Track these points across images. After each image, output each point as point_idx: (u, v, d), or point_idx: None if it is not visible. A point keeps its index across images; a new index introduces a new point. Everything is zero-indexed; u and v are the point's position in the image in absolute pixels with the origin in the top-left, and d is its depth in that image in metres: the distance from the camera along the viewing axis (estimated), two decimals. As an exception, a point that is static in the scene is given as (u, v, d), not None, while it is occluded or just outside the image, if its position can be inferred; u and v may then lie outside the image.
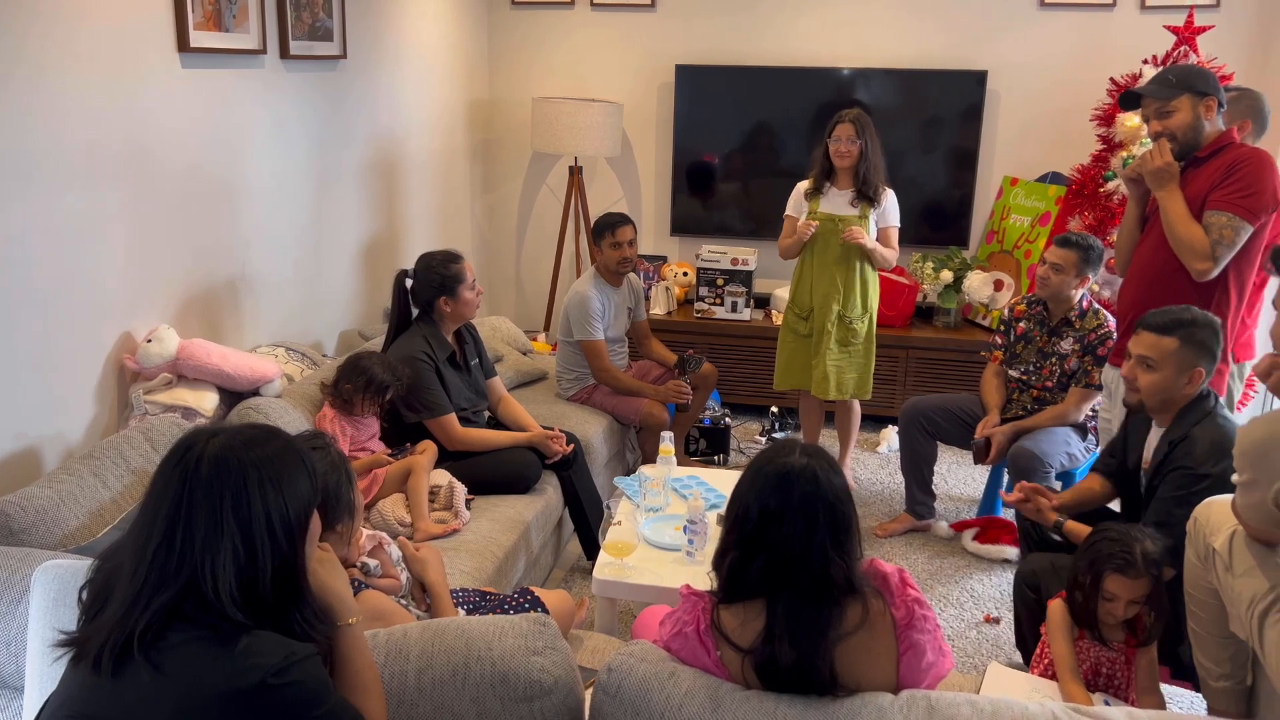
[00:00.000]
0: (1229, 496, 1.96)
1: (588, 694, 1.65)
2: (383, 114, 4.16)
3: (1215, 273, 2.72)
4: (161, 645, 1.18)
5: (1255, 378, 2.17)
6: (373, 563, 2.02)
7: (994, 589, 3.35)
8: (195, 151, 3.01)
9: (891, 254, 3.79)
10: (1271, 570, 1.83)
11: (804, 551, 1.55)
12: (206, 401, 2.73)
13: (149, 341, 2.73)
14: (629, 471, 4.08)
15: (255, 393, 2.87)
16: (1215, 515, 1.99)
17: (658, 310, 4.93)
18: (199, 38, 2.92)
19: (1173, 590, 2.16)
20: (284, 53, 3.37)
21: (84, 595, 1.29)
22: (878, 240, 3.75)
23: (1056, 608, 2.25)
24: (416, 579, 2.07)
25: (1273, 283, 3.32)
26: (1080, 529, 2.53)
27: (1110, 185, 4.25)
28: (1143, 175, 2.85)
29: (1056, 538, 2.63)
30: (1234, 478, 1.83)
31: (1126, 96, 2.97)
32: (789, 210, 3.86)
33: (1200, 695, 2.16)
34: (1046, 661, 2.29)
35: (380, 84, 4.12)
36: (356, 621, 1.38)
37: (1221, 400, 2.42)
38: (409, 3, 4.32)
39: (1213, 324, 2.44)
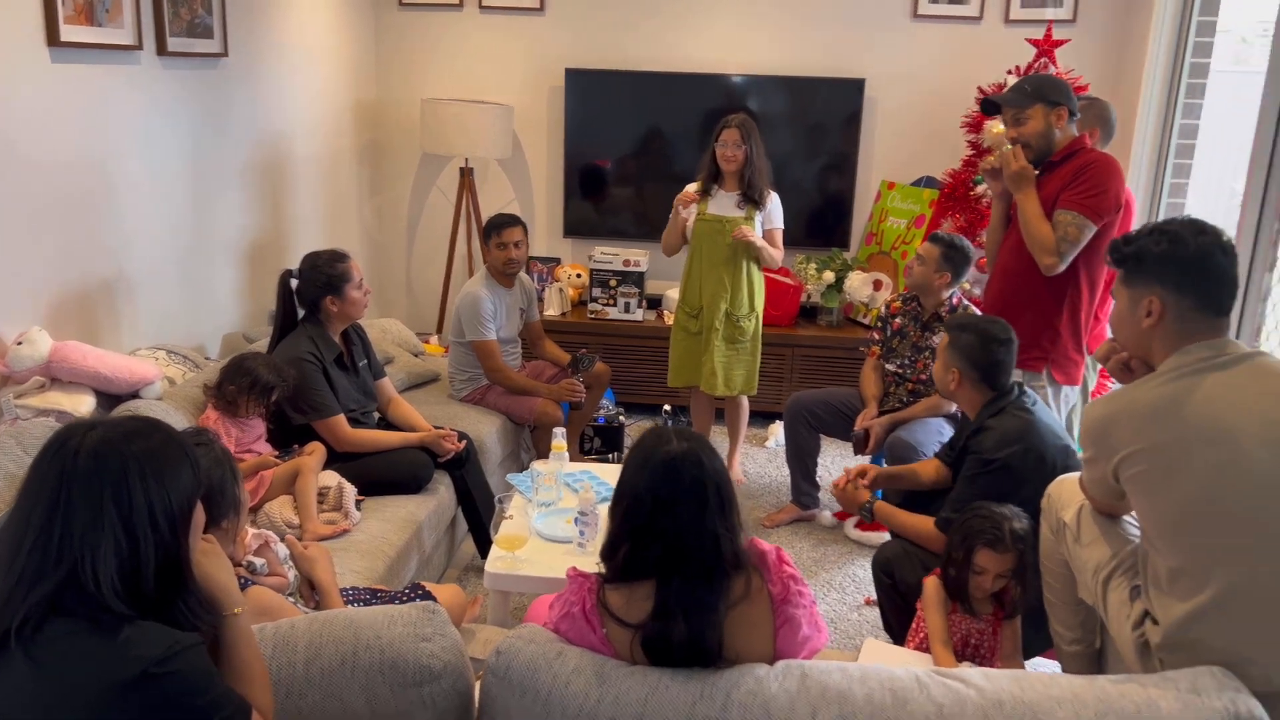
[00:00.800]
0: (1078, 475, 2.12)
1: (479, 684, 1.69)
2: (267, 113, 4.10)
3: (1061, 268, 2.91)
4: (39, 638, 1.17)
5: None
6: (259, 561, 2.01)
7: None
8: (68, 149, 2.92)
9: (777, 254, 3.92)
10: (1114, 539, 1.99)
11: (697, 534, 1.62)
12: (82, 405, 2.65)
13: (19, 344, 2.64)
14: (523, 470, 4.11)
15: (134, 395, 2.80)
16: (1065, 492, 2.15)
17: (552, 311, 4.97)
18: (70, 32, 2.83)
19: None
20: (161, 49, 3.29)
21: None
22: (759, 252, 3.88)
23: (932, 583, 2.39)
24: (305, 577, 2.07)
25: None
26: (894, 513, 2.72)
27: (980, 189, 4.49)
28: (1003, 178, 3.04)
29: (866, 517, 2.80)
30: (1080, 456, 1.98)
31: (987, 103, 3.16)
32: (673, 213, 3.95)
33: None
34: (921, 636, 2.43)
35: (264, 83, 4.05)
36: (241, 612, 1.39)
37: (1031, 394, 2.60)
38: (292, 1, 4.26)
39: (980, 332, 2.63)
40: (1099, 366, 3.64)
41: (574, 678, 1.57)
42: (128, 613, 1.21)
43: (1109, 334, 3.59)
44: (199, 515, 1.34)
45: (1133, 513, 2.01)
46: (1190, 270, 1.78)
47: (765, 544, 1.73)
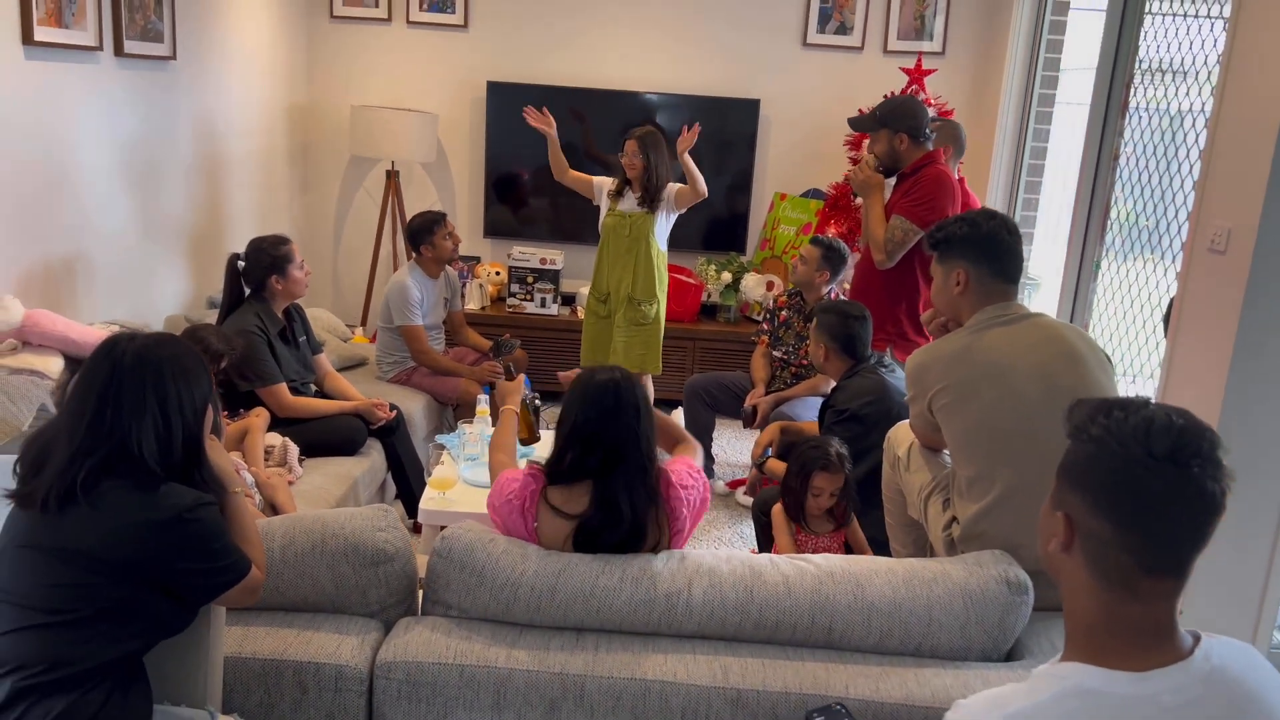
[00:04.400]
0: (908, 421, 2.63)
1: (420, 593, 2.08)
2: (208, 114, 4.41)
3: (889, 264, 3.46)
4: (98, 490, 1.54)
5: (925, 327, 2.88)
6: (231, 483, 2.37)
7: (760, 531, 3.97)
8: (36, 138, 3.22)
9: (698, 181, 4.22)
10: (933, 466, 2.49)
11: (634, 438, 2.06)
12: (53, 366, 2.94)
13: (-7, 310, 2.92)
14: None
15: (99, 359, 3.09)
16: (900, 433, 2.65)
17: (472, 305, 5.34)
18: (42, 32, 3.14)
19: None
20: (118, 50, 3.60)
21: (18, 468, 1.61)
22: (675, 196, 4.27)
23: (778, 510, 2.88)
24: (268, 501, 2.43)
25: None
26: (779, 466, 3.25)
27: (859, 200, 5.05)
28: (854, 185, 3.61)
29: (761, 472, 3.39)
30: (906, 398, 2.48)
31: (850, 123, 3.72)
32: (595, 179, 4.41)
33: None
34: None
35: (206, 86, 4.36)
36: (239, 491, 1.77)
37: (889, 363, 3.15)
38: (233, 10, 4.58)
39: (839, 311, 3.20)
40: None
41: (503, 556, 1.99)
42: (162, 476, 1.58)
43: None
44: (210, 412, 1.71)
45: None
46: (985, 246, 2.29)
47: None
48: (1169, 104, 3.75)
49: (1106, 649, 1.14)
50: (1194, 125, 3.51)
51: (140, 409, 1.57)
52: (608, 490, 2.03)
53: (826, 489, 2.74)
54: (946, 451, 2.53)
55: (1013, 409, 2.17)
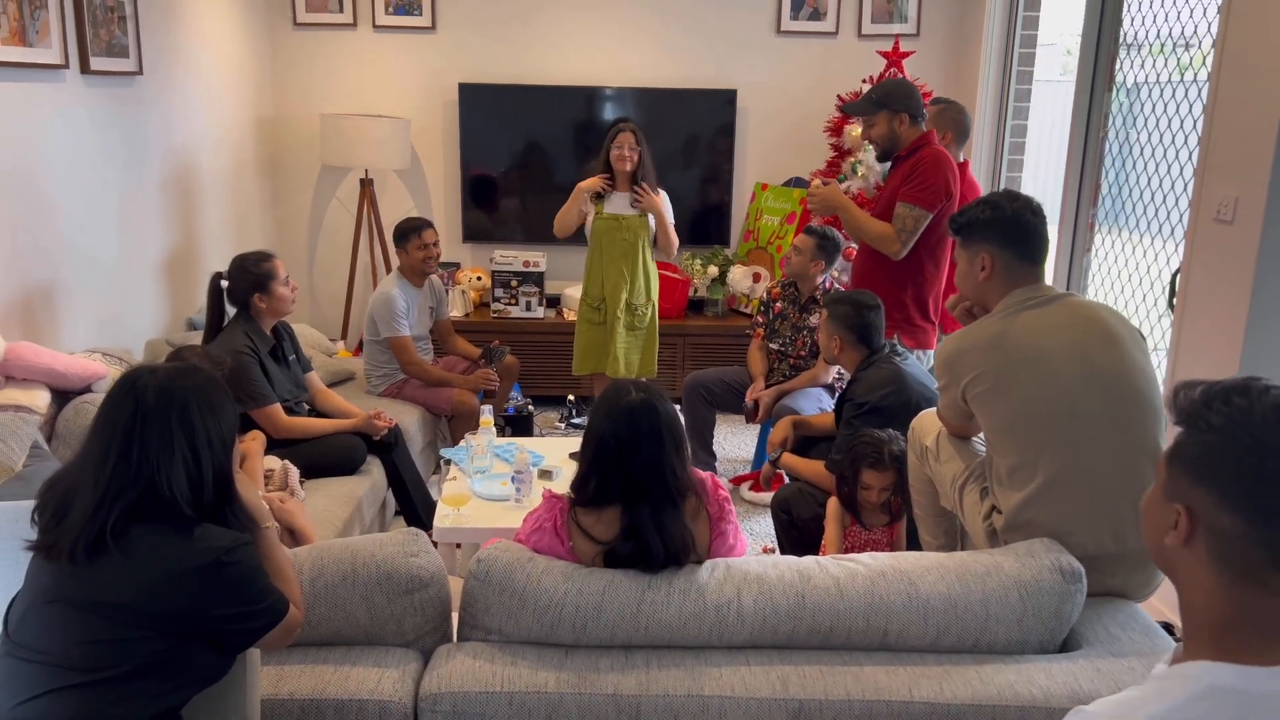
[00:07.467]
0: (935, 409, 2.57)
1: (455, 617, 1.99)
2: (177, 130, 4.26)
3: (905, 253, 3.42)
4: (129, 536, 1.44)
5: (946, 309, 2.82)
6: (245, 514, 2.26)
7: (767, 527, 3.92)
8: (5, 162, 3.07)
9: (674, 239, 4.29)
10: (965, 455, 2.44)
11: (657, 469, 1.97)
12: (39, 399, 2.81)
13: (-29, 346, 2.79)
14: (440, 460, 4.37)
15: (87, 390, 2.97)
16: (926, 422, 2.60)
17: (455, 312, 5.23)
18: (6, 52, 2.99)
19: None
20: (84, 68, 3.46)
21: (36, 517, 1.51)
22: (656, 234, 4.25)
23: (833, 502, 2.82)
24: (285, 526, 2.33)
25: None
26: (795, 461, 3.19)
27: (842, 186, 5.00)
28: (815, 210, 3.65)
29: (776, 468, 3.31)
30: (936, 386, 2.43)
31: (845, 108, 3.66)
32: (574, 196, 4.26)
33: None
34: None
35: (174, 101, 4.22)
36: (271, 527, 1.67)
37: (901, 350, 3.11)
38: (196, 22, 4.43)
39: (853, 302, 3.14)
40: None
41: (544, 577, 1.91)
42: (195, 517, 1.49)
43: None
44: (238, 444, 1.62)
45: (979, 434, 2.47)
46: (1010, 229, 2.24)
47: (701, 472, 2.10)
48: (1156, 76, 3.74)
49: (1237, 645, 1.08)
50: (1186, 96, 3.50)
51: (169, 447, 1.48)
52: (637, 520, 1.94)
53: (875, 485, 2.69)
54: (977, 439, 2.49)
55: (1052, 394, 2.13)
